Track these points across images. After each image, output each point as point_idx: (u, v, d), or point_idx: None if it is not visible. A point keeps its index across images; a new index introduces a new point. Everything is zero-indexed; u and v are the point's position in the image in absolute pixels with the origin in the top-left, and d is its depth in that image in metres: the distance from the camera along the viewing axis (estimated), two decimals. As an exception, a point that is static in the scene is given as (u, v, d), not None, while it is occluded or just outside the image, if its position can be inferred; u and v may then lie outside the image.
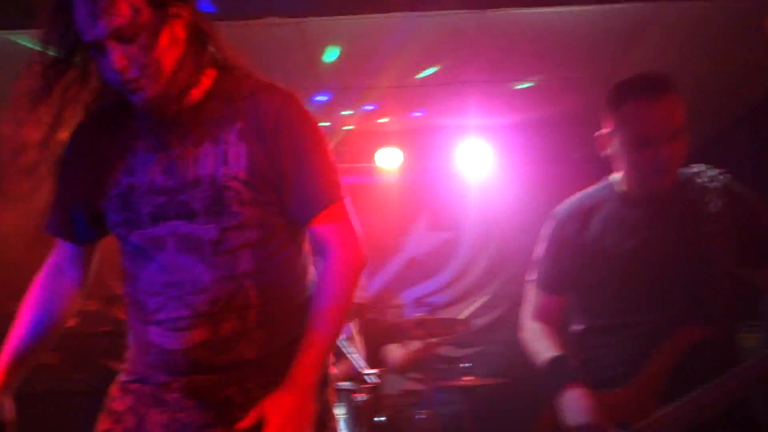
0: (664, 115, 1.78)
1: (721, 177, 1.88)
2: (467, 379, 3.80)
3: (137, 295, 1.44)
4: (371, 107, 4.59)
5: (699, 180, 1.89)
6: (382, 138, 5.05)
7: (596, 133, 1.94)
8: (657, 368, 1.81)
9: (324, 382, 1.47)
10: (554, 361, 1.94)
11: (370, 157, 5.13)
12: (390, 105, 4.54)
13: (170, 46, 1.36)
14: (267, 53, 3.67)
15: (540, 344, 2.01)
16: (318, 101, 4.45)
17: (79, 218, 1.51)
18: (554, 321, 2.05)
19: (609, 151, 1.92)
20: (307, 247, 1.56)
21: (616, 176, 1.97)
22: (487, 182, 5.14)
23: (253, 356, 1.41)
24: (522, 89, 4.30)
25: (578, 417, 1.81)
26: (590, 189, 2.04)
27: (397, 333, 4.04)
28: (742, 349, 1.91)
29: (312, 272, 1.57)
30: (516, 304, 2.24)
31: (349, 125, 4.88)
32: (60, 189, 1.48)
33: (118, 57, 1.30)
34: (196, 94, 1.44)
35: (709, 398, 1.72)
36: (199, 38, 1.41)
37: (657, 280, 1.85)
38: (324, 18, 3.30)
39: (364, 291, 4.12)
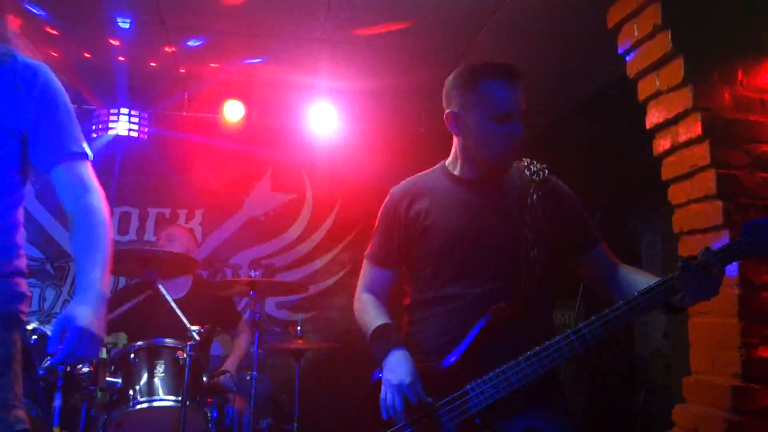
0: (519, 96, 1.92)
1: (543, 171, 2.02)
2: (299, 342, 3.77)
3: None
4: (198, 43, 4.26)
5: (524, 172, 2.04)
6: (227, 90, 4.81)
7: (446, 111, 1.99)
8: (471, 344, 1.89)
9: (15, 322, 1.59)
10: (379, 329, 2.00)
11: (215, 109, 4.89)
12: (231, 51, 4.29)
13: None
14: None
15: (368, 315, 2.07)
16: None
17: None
18: (385, 294, 2.13)
19: (458, 128, 1.99)
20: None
21: (450, 160, 2.09)
22: (334, 146, 5.09)
23: None
24: (373, 55, 4.25)
25: (396, 377, 1.86)
26: (425, 171, 2.14)
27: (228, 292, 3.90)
28: (555, 326, 2.04)
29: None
30: (354, 270, 2.25)
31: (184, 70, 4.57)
32: None
33: None
34: None
35: (520, 371, 1.81)
36: None
37: (475, 256, 1.95)
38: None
39: (199, 248, 3.95)
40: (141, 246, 4.87)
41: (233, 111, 4.81)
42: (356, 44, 4.12)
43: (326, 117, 4.90)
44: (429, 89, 4.74)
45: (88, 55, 4.34)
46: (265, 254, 5.20)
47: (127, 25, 3.84)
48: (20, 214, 1.67)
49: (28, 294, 1.67)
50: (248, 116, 4.89)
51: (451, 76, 2.02)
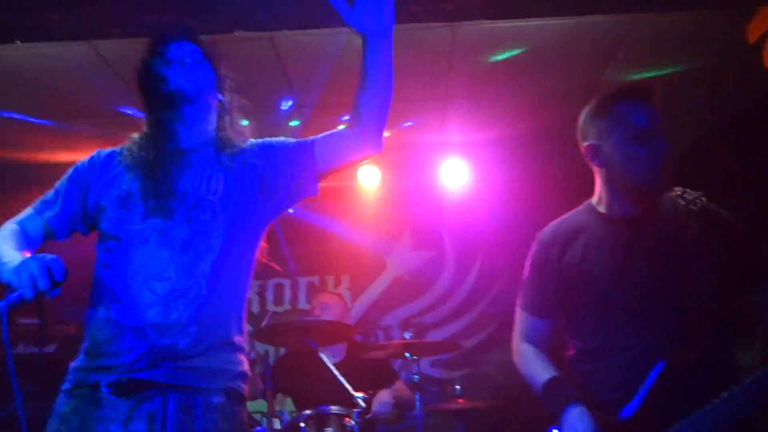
0: (655, 112, 1.85)
1: (701, 200, 1.88)
2: (460, 402, 3.72)
3: None
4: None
5: (679, 202, 1.90)
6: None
7: (584, 145, 1.93)
8: (648, 394, 1.78)
9: (239, 398, 1.66)
10: (551, 383, 1.92)
11: (350, 176, 5.08)
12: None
13: None
14: (239, 67, 3.63)
15: (533, 367, 1.98)
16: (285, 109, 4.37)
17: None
18: (545, 343, 2.03)
19: (599, 159, 1.90)
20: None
21: (596, 199, 1.98)
22: (469, 199, 5.11)
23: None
24: (498, 104, 4.28)
25: None
26: (571, 213, 2.04)
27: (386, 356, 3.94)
28: (739, 368, 1.87)
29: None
30: (505, 323, 2.20)
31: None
32: None
33: None
34: None
35: (709, 421, 1.68)
36: None
37: (639, 301, 1.83)
38: (293, 32, 3.29)
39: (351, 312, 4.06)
40: (297, 315, 5.10)
41: (369, 176, 4.99)
42: (480, 97, 4.17)
43: (458, 171, 4.94)
44: (559, 129, 4.65)
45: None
46: (413, 313, 5.24)
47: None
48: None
49: (249, 374, 1.74)
50: (383, 179, 5.04)
51: (582, 112, 1.97)
